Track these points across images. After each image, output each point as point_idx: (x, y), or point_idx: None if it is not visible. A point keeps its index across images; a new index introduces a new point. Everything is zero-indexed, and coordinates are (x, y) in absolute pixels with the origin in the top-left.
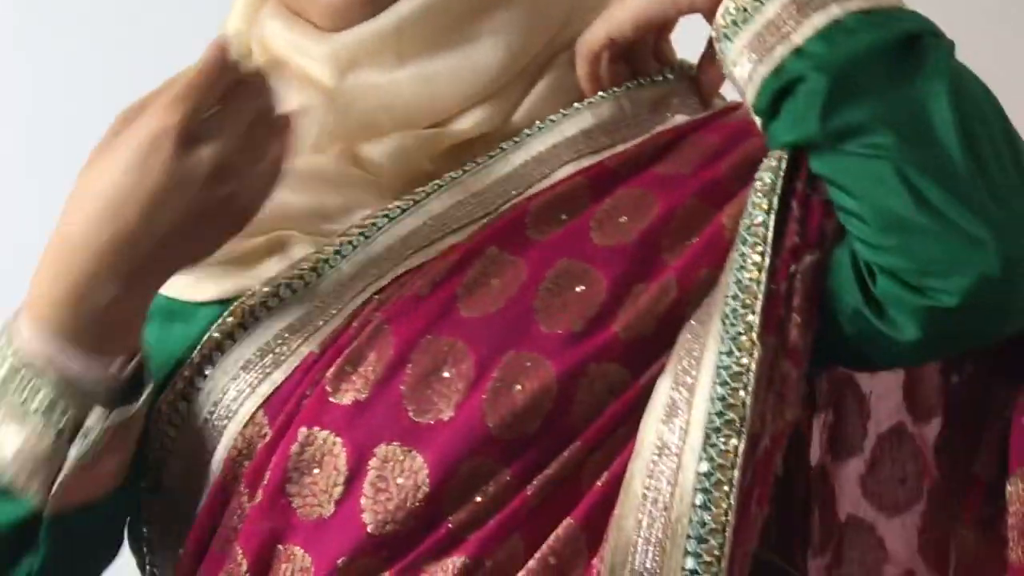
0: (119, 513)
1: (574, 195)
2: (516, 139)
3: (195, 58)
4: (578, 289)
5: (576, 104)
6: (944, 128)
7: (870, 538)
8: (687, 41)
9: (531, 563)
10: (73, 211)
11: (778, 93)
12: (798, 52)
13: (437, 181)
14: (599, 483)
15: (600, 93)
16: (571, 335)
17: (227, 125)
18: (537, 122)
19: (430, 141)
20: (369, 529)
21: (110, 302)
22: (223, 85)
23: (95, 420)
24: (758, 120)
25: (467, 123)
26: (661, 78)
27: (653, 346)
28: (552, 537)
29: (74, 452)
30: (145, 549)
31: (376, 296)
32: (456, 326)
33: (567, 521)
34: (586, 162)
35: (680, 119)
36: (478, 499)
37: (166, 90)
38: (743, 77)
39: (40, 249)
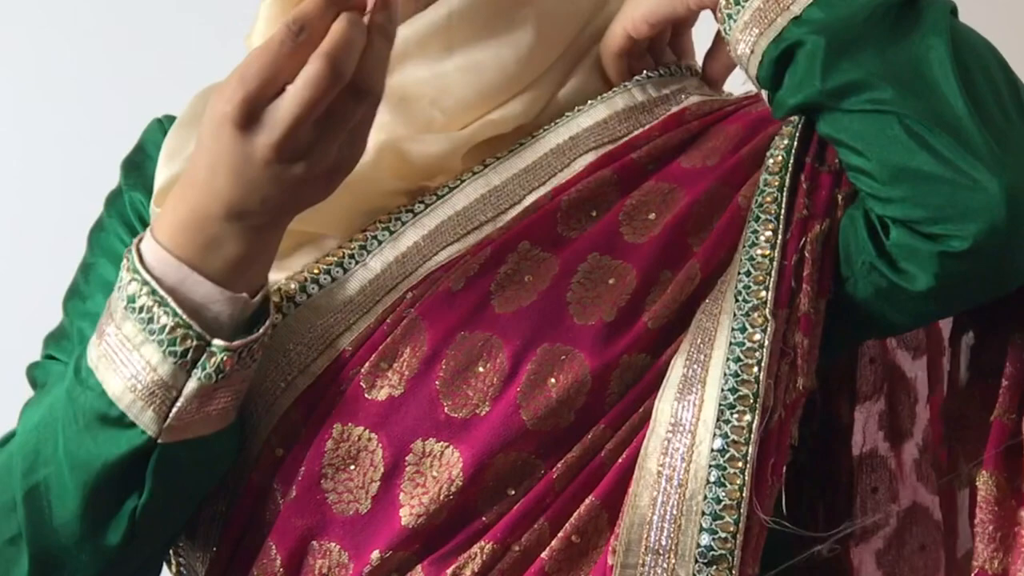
0: (224, 455)
1: (603, 190)
2: (534, 134)
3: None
4: (610, 282)
5: (590, 100)
6: (944, 78)
7: (928, 522)
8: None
9: (554, 543)
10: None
11: (779, 61)
12: (797, 20)
13: (460, 176)
14: (619, 461)
15: (613, 88)
16: (604, 325)
17: (290, 109)
18: (562, 118)
19: (476, 134)
20: (404, 522)
21: (224, 237)
22: (289, 66)
23: (215, 352)
24: (764, 94)
25: (509, 112)
26: (672, 71)
27: (676, 329)
28: (575, 516)
29: (192, 383)
30: (174, 548)
31: (410, 292)
32: (490, 321)
33: (589, 499)
34: (604, 150)
35: (695, 99)
36: (511, 492)
37: (239, 67)
38: (746, 53)
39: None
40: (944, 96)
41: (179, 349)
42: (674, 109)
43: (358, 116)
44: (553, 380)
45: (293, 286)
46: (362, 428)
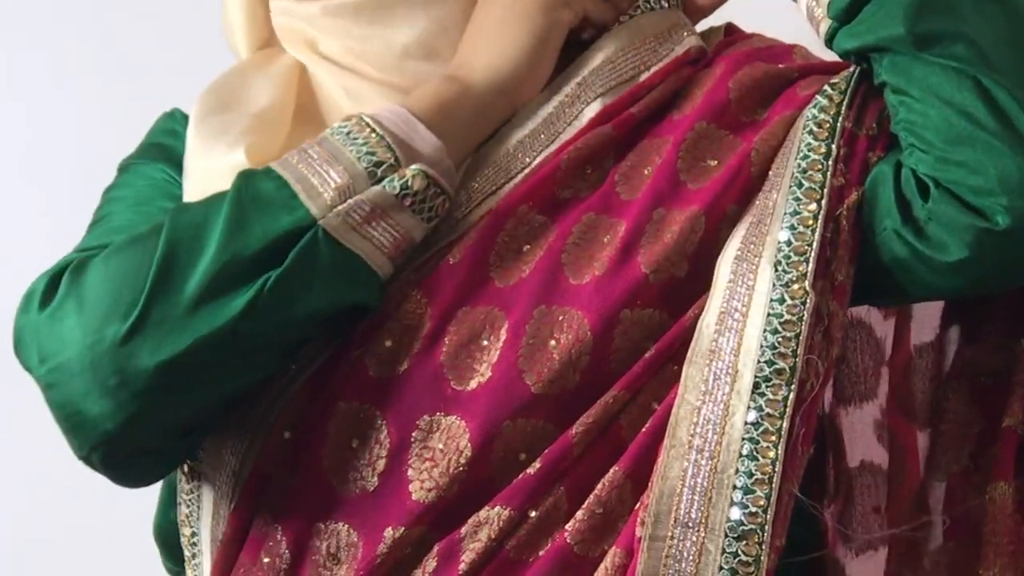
0: (372, 290)
1: (600, 148)
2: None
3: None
4: (604, 239)
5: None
6: None
7: (884, 484)
8: None
9: (579, 514)
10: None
11: None
12: None
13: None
14: (644, 429)
15: (620, 18)
16: (597, 280)
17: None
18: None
19: None
20: (414, 497)
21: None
22: None
23: (407, 172)
24: (823, 26)
25: None
26: (668, 4)
27: (689, 286)
28: (599, 487)
29: (376, 188)
30: (185, 539)
31: (413, 273)
32: (491, 295)
33: (614, 470)
34: (611, 98)
35: (693, 40)
36: (522, 457)
37: None
38: None
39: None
40: None
41: (375, 159)
42: (678, 51)
43: None
44: (553, 342)
45: None
46: (367, 406)
